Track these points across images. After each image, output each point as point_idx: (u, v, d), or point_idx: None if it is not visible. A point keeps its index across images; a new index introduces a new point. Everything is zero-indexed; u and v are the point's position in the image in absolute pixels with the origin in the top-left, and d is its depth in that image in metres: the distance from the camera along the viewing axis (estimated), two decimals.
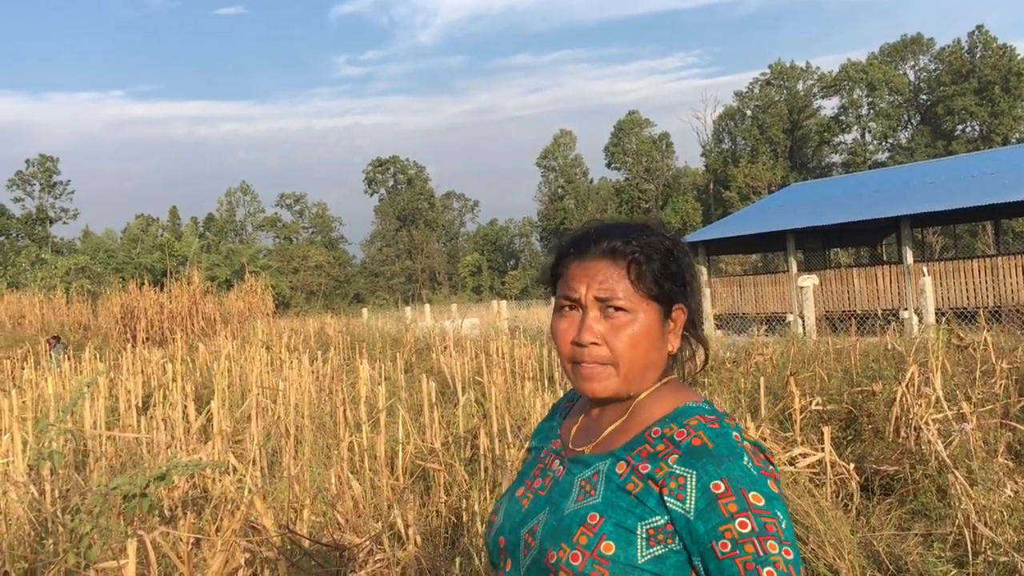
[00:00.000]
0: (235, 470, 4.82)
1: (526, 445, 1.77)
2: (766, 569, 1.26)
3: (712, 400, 1.52)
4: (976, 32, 63.98)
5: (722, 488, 1.31)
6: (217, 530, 3.01)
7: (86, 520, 3.11)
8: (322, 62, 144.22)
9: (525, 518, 1.50)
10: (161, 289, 22.38)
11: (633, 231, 1.51)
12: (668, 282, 1.48)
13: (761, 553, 1.27)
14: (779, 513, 1.30)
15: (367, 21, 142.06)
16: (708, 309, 17.80)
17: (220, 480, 4.58)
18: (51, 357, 14.43)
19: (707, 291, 21.24)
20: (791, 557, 1.27)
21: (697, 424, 1.40)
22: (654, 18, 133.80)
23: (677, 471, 1.35)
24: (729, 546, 1.28)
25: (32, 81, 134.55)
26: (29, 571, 3.75)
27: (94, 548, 3.16)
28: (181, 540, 2.78)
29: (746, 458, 1.33)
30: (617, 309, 1.46)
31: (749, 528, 1.28)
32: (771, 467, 1.37)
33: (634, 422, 1.47)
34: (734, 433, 1.37)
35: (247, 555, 2.96)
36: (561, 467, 1.53)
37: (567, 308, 1.51)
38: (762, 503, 1.29)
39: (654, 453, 1.39)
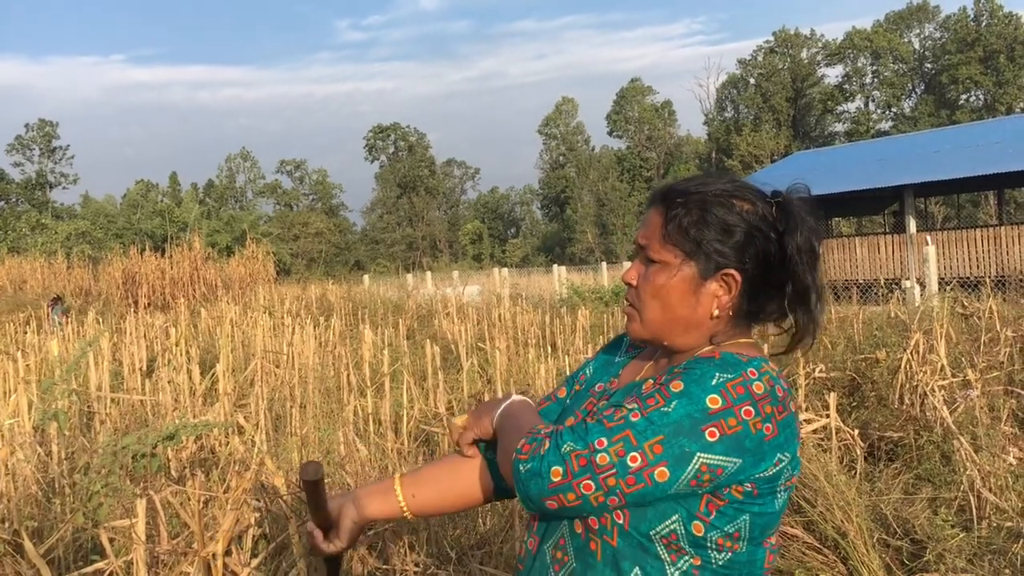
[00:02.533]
0: (242, 431, 4.83)
1: (576, 372, 1.72)
2: (610, 408, 1.32)
3: None
4: (982, 0, 63.34)
5: (675, 370, 1.35)
6: (226, 490, 3.01)
7: (96, 479, 3.11)
8: (324, 27, 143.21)
9: None
10: (162, 255, 22.32)
11: (702, 181, 1.46)
12: (706, 239, 1.40)
13: (619, 401, 1.34)
14: (675, 404, 1.27)
15: None
16: None
17: (228, 441, 4.59)
18: (53, 319, 14.43)
19: None
20: (636, 420, 1.26)
21: (727, 352, 1.38)
22: None
23: (678, 369, 1.37)
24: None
25: (32, 44, 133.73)
26: (38, 531, 3.76)
27: (103, 507, 3.17)
28: (191, 499, 2.78)
29: (727, 376, 1.30)
30: (651, 261, 1.46)
31: (643, 391, 1.34)
32: (748, 405, 1.28)
33: None
34: (750, 368, 1.32)
35: (257, 514, 2.97)
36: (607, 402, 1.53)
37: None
38: (675, 390, 1.29)
39: None
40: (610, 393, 1.55)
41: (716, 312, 1.42)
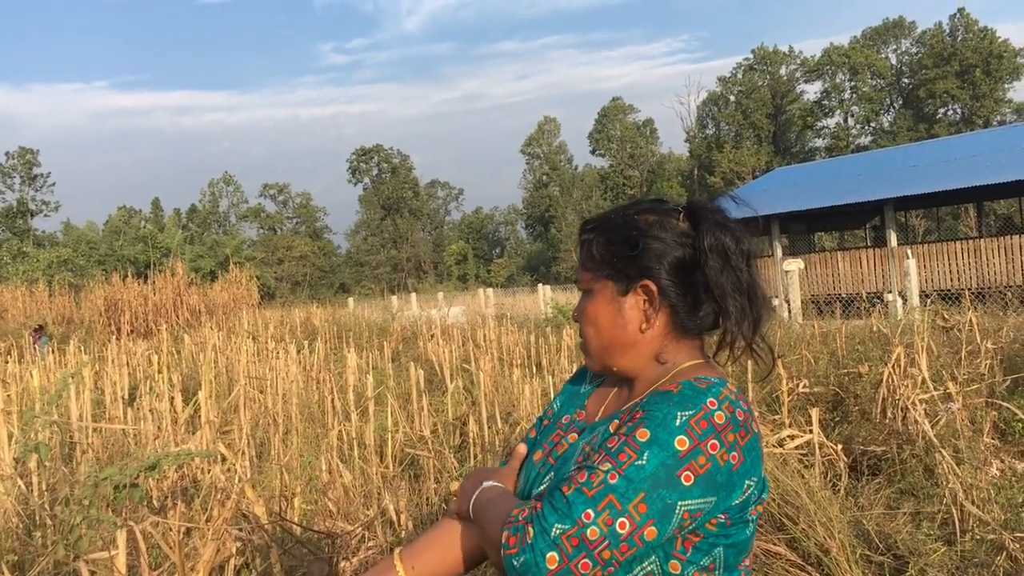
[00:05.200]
0: (224, 459, 4.80)
1: (545, 409, 1.72)
2: (583, 472, 1.29)
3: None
4: (958, 15, 64.17)
5: (638, 415, 1.34)
6: (208, 520, 2.99)
7: (76, 511, 3.09)
8: (308, 50, 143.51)
9: (536, 482, 1.52)
10: (145, 281, 22.23)
11: (611, 208, 1.54)
12: (615, 256, 1.45)
13: (592, 462, 1.30)
14: (647, 456, 1.26)
15: (353, 8, 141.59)
16: None
17: (210, 470, 4.56)
18: (36, 350, 14.30)
19: None
20: (614, 482, 1.25)
21: (686, 381, 1.38)
22: (643, 1, 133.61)
23: (638, 406, 1.38)
24: (592, 449, 1.37)
25: (13, 72, 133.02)
26: (19, 564, 3.72)
27: (84, 539, 3.14)
28: (172, 529, 2.77)
29: (688, 413, 1.30)
30: (582, 291, 1.54)
31: (611, 446, 1.31)
32: (713, 439, 1.29)
33: None
34: (709, 399, 1.32)
35: (238, 544, 2.95)
36: (576, 436, 1.54)
37: None
38: (643, 440, 1.28)
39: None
40: (578, 425, 1.56)
41: (644, 326, 1.45)
